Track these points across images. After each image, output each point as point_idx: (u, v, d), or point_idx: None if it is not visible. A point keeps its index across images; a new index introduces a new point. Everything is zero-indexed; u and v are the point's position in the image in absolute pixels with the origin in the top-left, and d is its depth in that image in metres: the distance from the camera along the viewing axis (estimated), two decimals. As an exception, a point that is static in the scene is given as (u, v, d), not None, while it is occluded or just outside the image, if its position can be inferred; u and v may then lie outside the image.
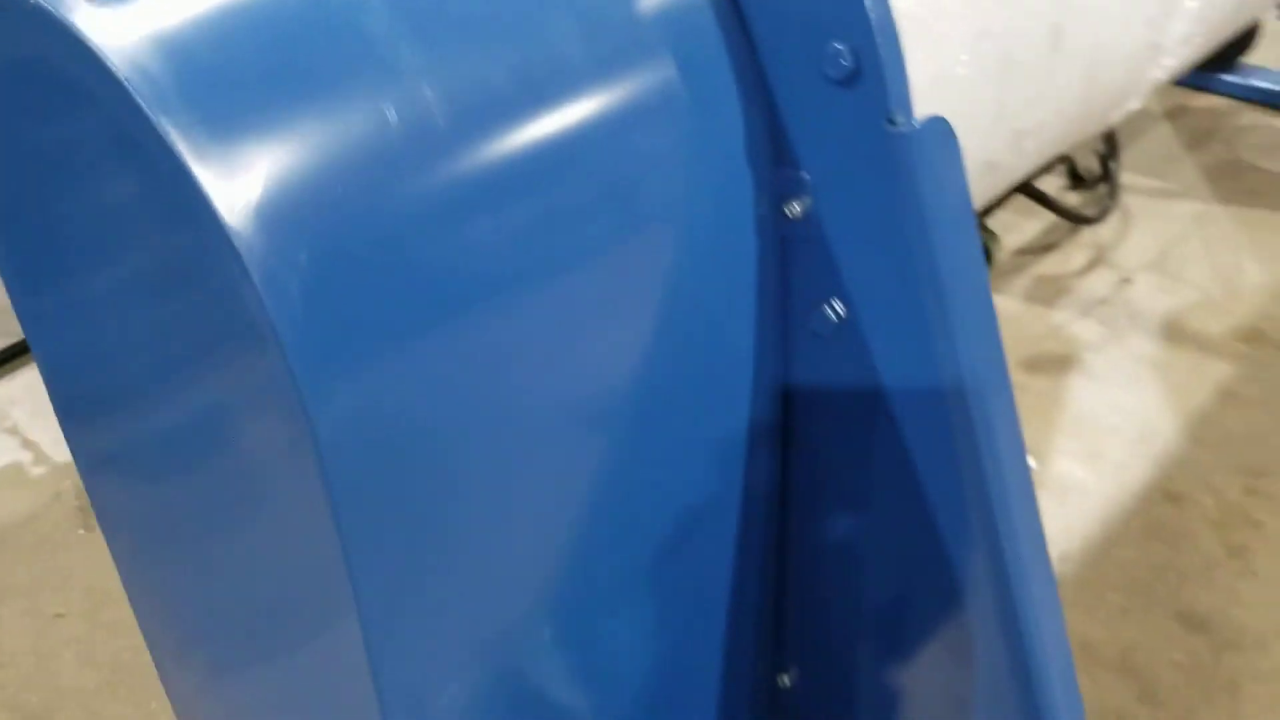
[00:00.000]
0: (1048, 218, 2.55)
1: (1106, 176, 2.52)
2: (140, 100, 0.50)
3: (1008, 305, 2.28)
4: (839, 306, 0.73)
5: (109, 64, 0.51)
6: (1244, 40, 3.17)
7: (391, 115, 0.55)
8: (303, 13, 0.55)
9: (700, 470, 0.79)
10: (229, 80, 0.52)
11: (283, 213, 0.51)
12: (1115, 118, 1.13)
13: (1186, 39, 1.08)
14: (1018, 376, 2.07)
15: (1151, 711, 1.45)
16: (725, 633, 0.88)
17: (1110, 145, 2.52)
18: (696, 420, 0.76)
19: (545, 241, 0.62)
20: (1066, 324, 2.22)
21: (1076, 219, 2.48)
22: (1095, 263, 2.42)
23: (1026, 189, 2.35)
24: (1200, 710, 1.45)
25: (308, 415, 0.52)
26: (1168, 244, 2.46)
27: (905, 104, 0.65)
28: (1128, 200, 2.63)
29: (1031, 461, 1.86)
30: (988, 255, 2.34)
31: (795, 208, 0.71)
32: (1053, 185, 2.65)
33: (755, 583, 0.88)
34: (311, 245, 0.52)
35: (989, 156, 0.85)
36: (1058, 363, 2.11)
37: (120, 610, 1.69)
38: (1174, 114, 3.07)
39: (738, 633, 0.89)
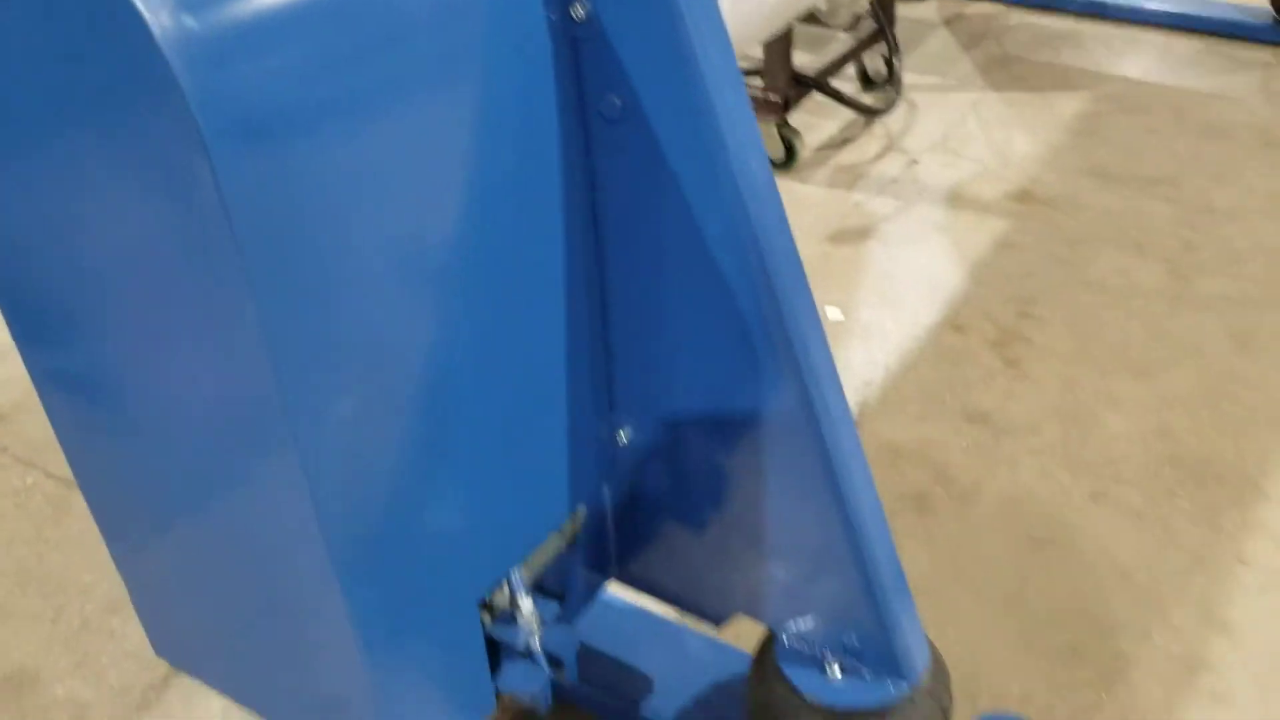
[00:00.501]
0: (844, 115, 2.82)
1: (892, 76, 2.80)
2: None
3: (813, 192, 2.53)
4: (621, 95, 0.93)
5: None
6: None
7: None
8: None
9: (530, 246, 0.97)
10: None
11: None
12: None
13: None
14: (825, 248, 2.33)
15: (945, 488, 1.72)
16: (566, 394, 1.07)
17: (893, 48, 2.80)
18: (521, 202, 0.94)
19: (381, 62, 0.79)
20: (865, 202, 2.48)
21: (868, 111, 2.76)
22: (887, 149, 2.69)
23: (824, 88, 2.61)
24: (985, 481, 1.73)
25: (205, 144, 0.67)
26: (948, 128, 2.76)
27: (651, -92, 0.85)
28: (913, 95, 2.93)
29: (839, 313, 2.12)
30: (792, 151, 2.60)
31: (579, 10, 0.90)
32: (847, 87, 2.92)
33: (586, 351, 1.07)
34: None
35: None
36: (859, 233, 2.37)
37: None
38: (951, 20, 3.39)
39: (577, 395, 1.08)
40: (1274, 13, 3.09)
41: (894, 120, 2.82)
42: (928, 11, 3.45)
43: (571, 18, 0.91)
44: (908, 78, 3.01)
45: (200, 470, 0.93)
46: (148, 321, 0.86)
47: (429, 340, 0.90)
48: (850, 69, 2.92)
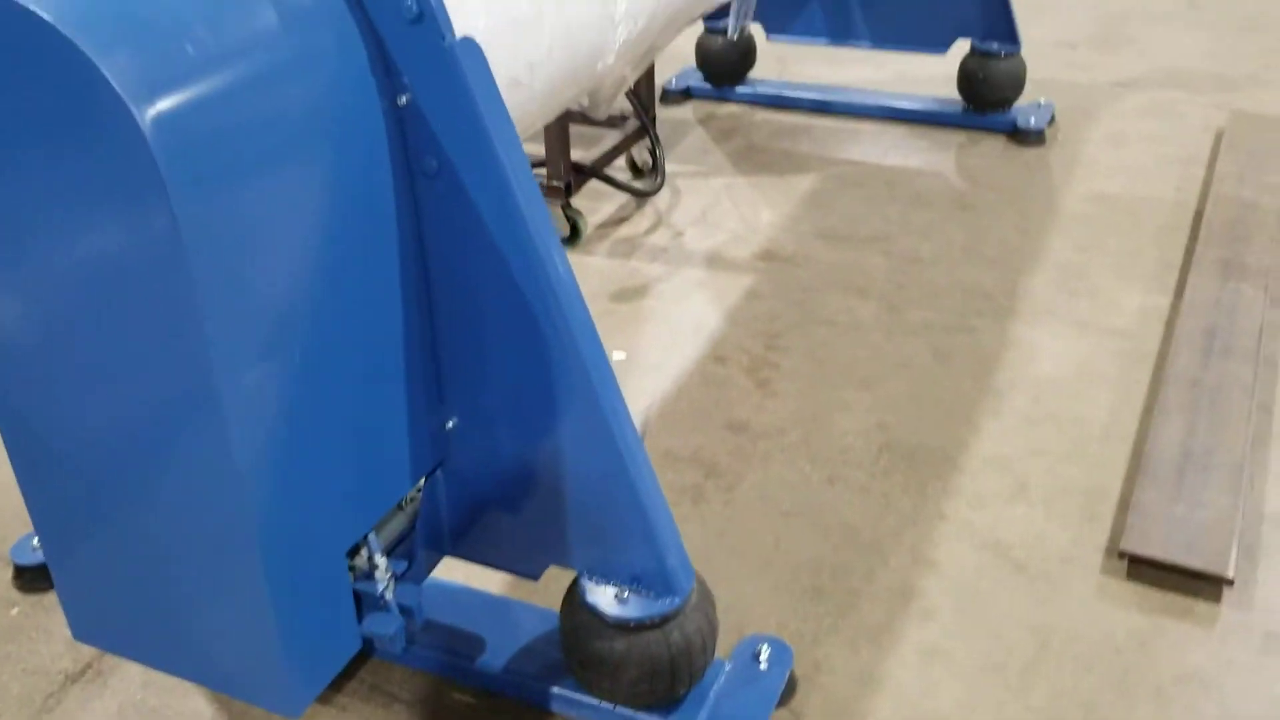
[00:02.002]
0: (619, 198, 3.26)
1: (656, 165, 3.26)
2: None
3: (596, 262, 2.94)
4: (436, 156, 1.28)
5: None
6: (747, 60, 4.10)
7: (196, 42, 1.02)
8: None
9: (375, 271, 1.29)
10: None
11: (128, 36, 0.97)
12: (601, 65, 1.75)
13: (628, 14, 1.73)
14: (608, 305, 2.72)
15: (714, 481, 2.10)
16: (405, 390, 1.38)
17: (655, 141, 3.27)
18: (368, 239, 1.27)
19: (285, 130, 1.11)
20: (640, 268, 2.90)
21: (638, 194, 3.21)
22: (657, 225, 3.14)
23: (599, 176, 3.04)
24: (745, 474, 2.12)
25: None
26: (706, 206, 3.23)
27: (449, 30, 1.21)
28: (676, 181, 3.40)
29: (623, 354, 2.51)
30: (576, 229, 3.00)
31: (403, 99, 1.25)
32: (619, 175, 3.36)
33: (419, 356, 1.39)
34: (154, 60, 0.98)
35: (512, 75, 1.43)
36: (636, 292, 2.78)
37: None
38: (705, 120, 3.91)
39: (413, 390, 1.40)
40: (964, 102, 3.74)
41: (661, 201, 3.28)
42: (686, 113, 3.97)
43: (399, 103, 1.26)
44: (671, 166, 3.49)
45: (134, 450, 1.20)
46: (92, 314, 1.13)
47: (312, 344, 1.21)
48: (622, 160, 3.38)
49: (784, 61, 4.35)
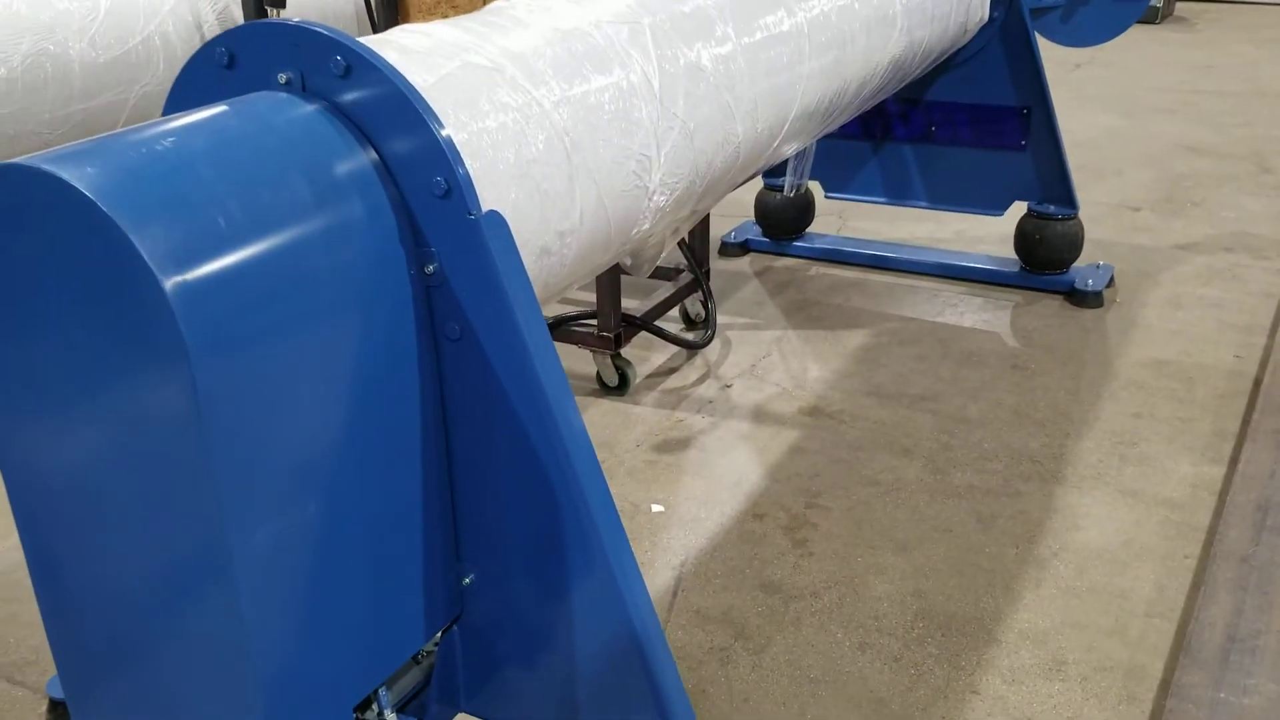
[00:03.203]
0: (670, 349, 3.31)
1: (707, 317, 3.33)
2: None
3: (643, 411, 2.97)
4: (459, 322, 1.33)
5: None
6: (806, 216, 4.19)
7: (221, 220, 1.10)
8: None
9: (398, 433, 1.34)
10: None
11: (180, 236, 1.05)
12: (636, 232, 1.82)
13: (663, 184, 1.80)
14: (651, 455, 2.74)
15: (744, 644, 2.08)
16: (423, 545, 1.41)
17: (707, 294, 3.34)
18: (393, 399, 1.32)
19: (313, 297, 1.18)
20: (686, 419, 2.93)
21: (688, 346, 3.26)
22: (705, 377, 3.18)
23: (649, 328, 3.11)
24: (775, 637, 2.09)
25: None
26: (756, 359, 3.27)
27: (476, 205, 1.28)
28: (728, 333, 3.45)
29: (661, 507, 2.52)
30: (625, 379, 3.05)
31: (430, 268, 1.31)
32: (673, 325, 3.43)
33: (437, 512, 1.43)
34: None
35: (542, 244, 1.50)
36: (680, 444, 2.80)
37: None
38: (761, 273, 3.99)
39: (430, 545, 1.43)
40: (1021, 262, 3.77)
41: (711, 352, 3.32)
42: (743, 265, 4.05)
43: (426, 272, 1.32)
44: (723, 318, 3.55)
45: (151, 598, 1.24)
46: (117, 468, 1.18)
47: (329, 501, 1.26)
48: (676, 311, 3.45)
49: (843, 217, 4.44)
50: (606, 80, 1.67)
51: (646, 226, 1.86)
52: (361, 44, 1.30)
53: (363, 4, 2.69)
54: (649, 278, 3.44)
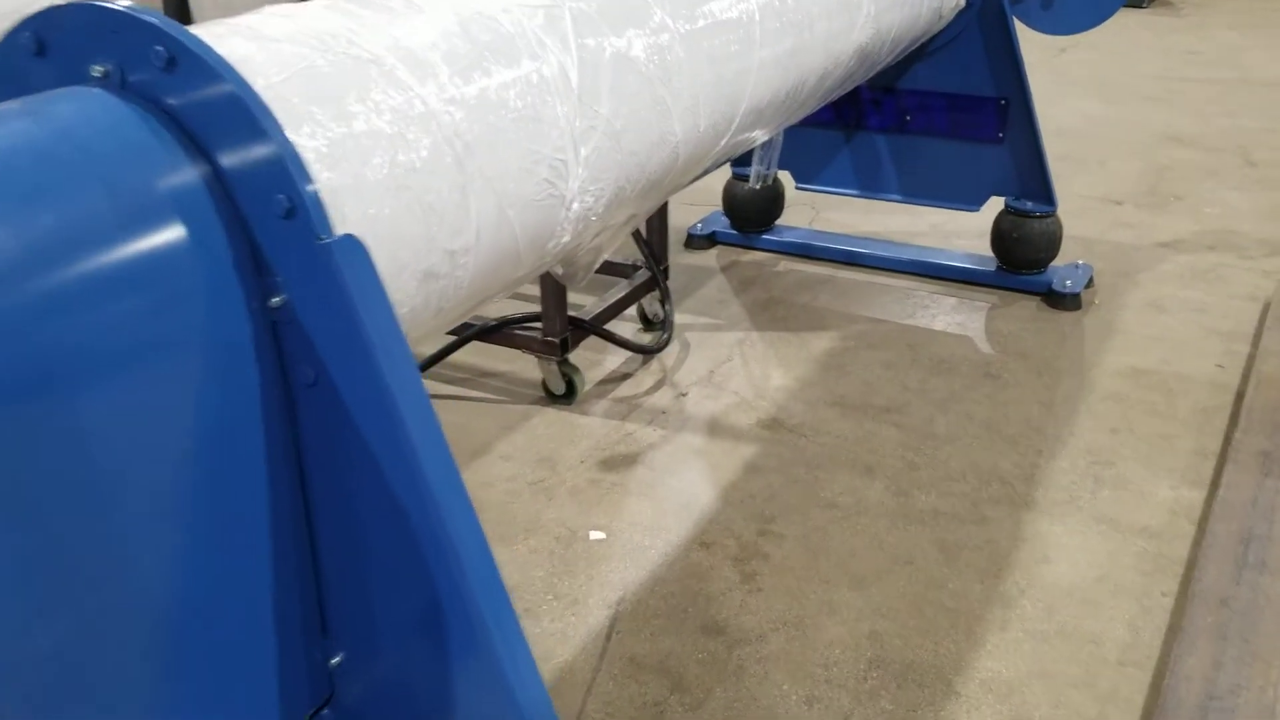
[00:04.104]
0: (624, 353, 3.11)
1: (665, 318, 3.13)
2: None
3: (590, 422, 2.77)
4: (312, 366, 1.13)
5: None
6: (775, 207, 3.99)
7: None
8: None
9: (238, 492, 1.14)
10: None
11: None
12: (554, 245, 1.61)
13: (584, 191, 1.59)
14: (596, 473, 2.54)
15: (680, 697, 1.89)
16: (277, 621, 1.22)
17: (664, 294, 3.13)
18: (231, 451, 1.12)
19: (111, 341, 0.98)
20: (636, 431, 2.73)
21: (642, 351, 3.06)
22: (660, 384, 2.98)
23: (597, 331, 2.90)
24: (715, 689, 1.90)
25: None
26: (715, 365, 3.07)
27: (326, 227, 1.08)
28: (687, 334, 3.25)
29: (601, 534, 2.32)
30: (572, 387, 2.84)
31: (275, 301, 1.11)
32: (629, 326, 3.23)
33: (296, 582, 1.23)
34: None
35: (427, 267, 1.29)
36: (627, 460, 2.60)
37: None
38: (728, 268, 3.79)
39: (289, 622, 1.23)
40: (997, 260, 3.57)
41: (668, 356, 3.12)
42: (708, 260, 3.85)
43: (270, 305, 1.12)
44: (684, 318, 3.35)
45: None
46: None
47: (153, 570, 1.06)
48: (633, 310, 3.24)
49: (816, 208, 4.24)
50: (513, 74, 1.46)
51: (567, 239, 1.65)
52: (188, 32, 1.09)
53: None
54: (604, 273, 3.24)
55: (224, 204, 1.09)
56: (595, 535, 2.31)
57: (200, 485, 1.10)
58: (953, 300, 3.48)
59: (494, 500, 2.43)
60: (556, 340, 2.78)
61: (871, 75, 2.90)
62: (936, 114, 3.53)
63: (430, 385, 2.94)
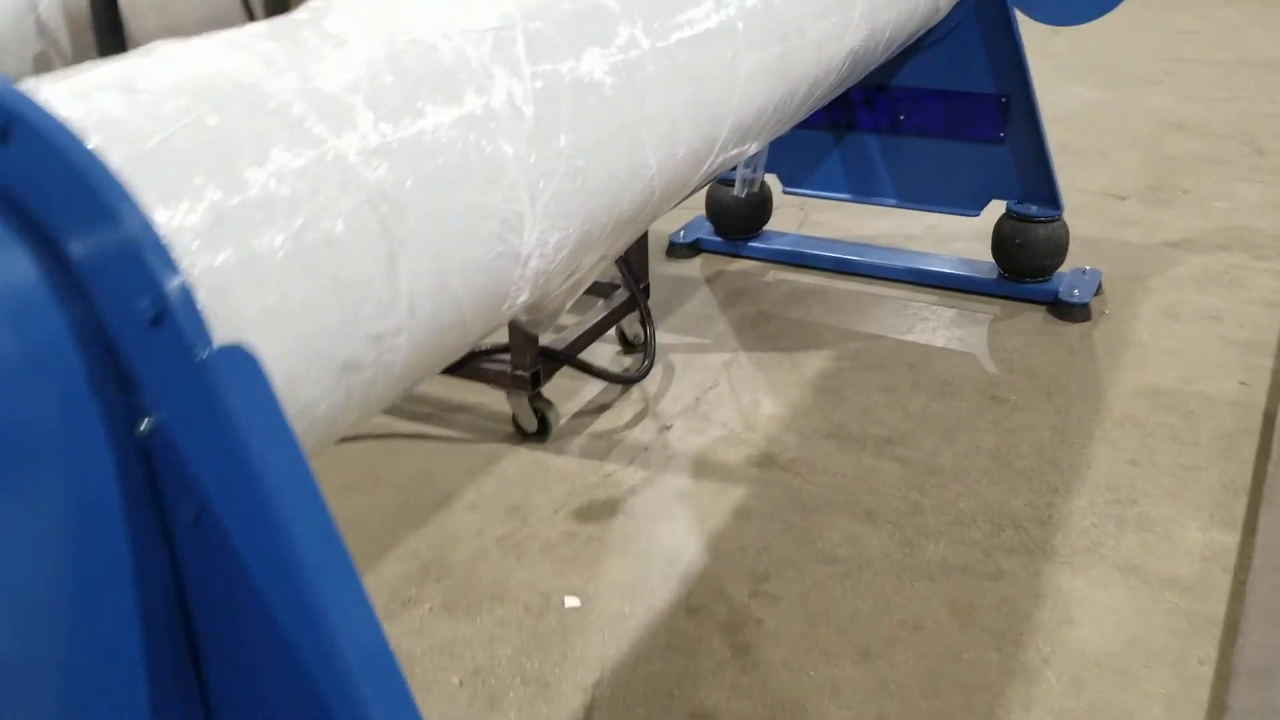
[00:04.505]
0: (604, 380, 2.88)
1: (646, 342, 2.90)
2: None
3: (565, 464, 2.55)
4: (194, 501, 0.91)
5: None
6: (762, 213, 3.76)
7: None
8: None
9: (106, 638, 0.92)
10: None
11: None
12: (509, 307, 1.39)
13: (543, 243, 1.37)
14: (571, 525, 2.32)
15: (665, 801, 1.68)
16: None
17: (645, 317, 2.91)
18: (95, 592, 0.90)
19: None
20: (615, 473, 2.51)
21: (622, 381, 2.83)
22: (641, 415, 2.75)
23: (572, 362, 2.68)
24: (704, 791, 1.69)
25: None
26: (701, 391, 2.85)
27: (203, 336, 0.85)
28: (671, 356, 3.03)
29: (576, 601, 2.10)
30: (545, 424, 2.62)
31: (144, 426, 0.88)
32: (609, 349, 3.01)
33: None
34: None
35: (348, 357, 1.07)
36: (606, 509, 2.38)
37: None
38: (713, 279, 3.56)
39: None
40: (999, 268, 3.35)
41: (651, 382, 2.90)
42: (692, 270, 3.63)
43: (138, 431, 0.89)
44: (667, 338, 3.13)
45: None
46: None
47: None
48: (613, 331, 3.02)
49: (805, 209, 4.02)
50: (453, 113, 1.22)
51: (525, 297, 1.42)
52: (23, 94, 0.86)
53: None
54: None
55: (75, 306, 0.86)
56: (570, 602, 2.09)
57: (59, 647, 0.88)
58: (953, 312, 3.26)
59: (459, 561, 2.21)
60: (527, 375, 2.55)
61: (863, 77, 2.67)
62: (932, 113, 3.30)
63: (391, 424, 2.72)
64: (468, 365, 2.62)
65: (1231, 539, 2.22)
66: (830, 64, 2.30)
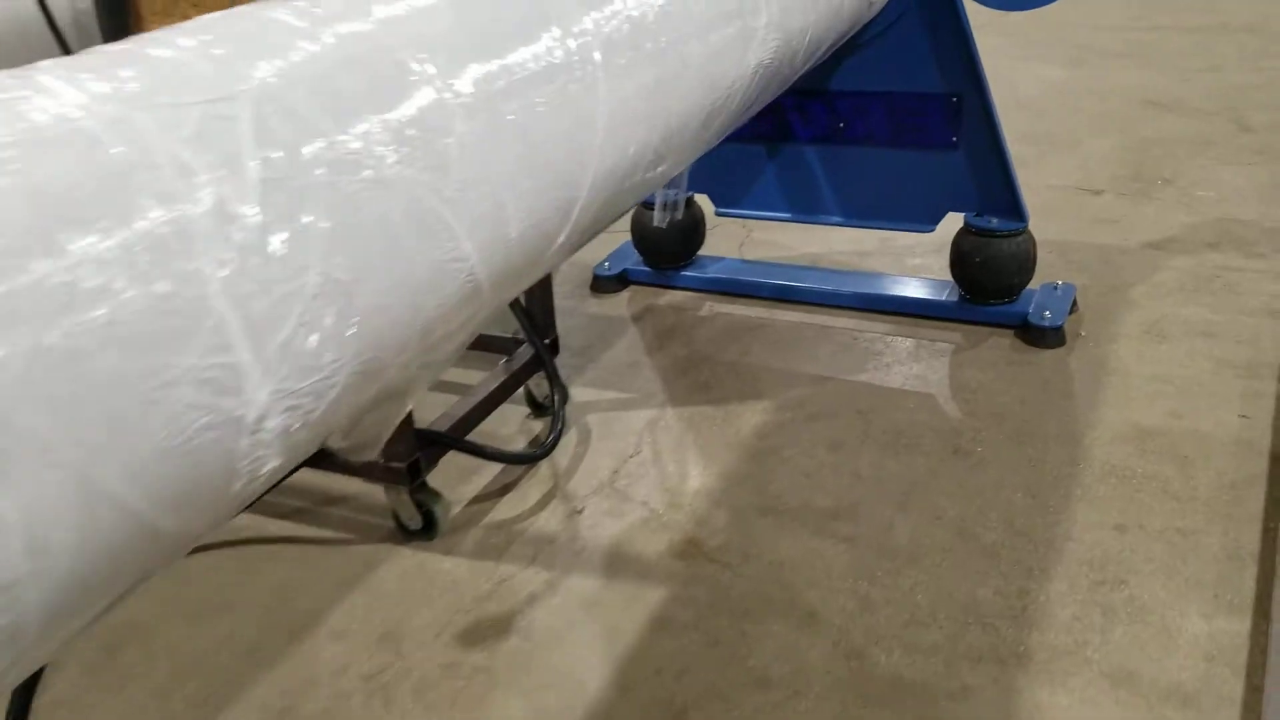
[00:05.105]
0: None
1: (554, 413, 2.51)
2: None
3: (454, 568, 2.17)
4: None
5: None
6: (695, 237, 3.38)
7: None
8: None
9: None
10: None
11: None
12: (244, 488, 1.02)
13: (281, 394, 1.00)
14: (453, 654, 1.95)
15: None
16: None
17: (553, 379, 2.53)
18: None
19: None
20: (512, 577, 2.13)
21: (521, 461, 2.45)
22: (549, 496, 2.38)
23: (458, 445, 2.29)
24: None
25: None
26: (620, 461, 2.48)
27: None
28: (588, 417, 2.65)
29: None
30: (432, 520, 2.24)
31: None
32: (517, 411, 2.64)
33: None
34: None
35: None
36: (498, 627, 2.00)
37: None
38: (641, 315, 3.19)
39: None
40: (960, 289, 2.98)
41: (563, 452, 2.52)
42: (619, 306, 3.25)
43: None
44: (585, 394, 2.75)
45: None
46: None
47: None
48: (521, 391, 2.64)
49: (749, 226, 3.65)
50: (112, 242, 0.84)
51: (272, 464, 1.05)
52: None
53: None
54: (477, 349, 2.64)
55: None
56: (443, 766, 1.71)
57: None
58: (909, 343, 2.89)
59: (313, 714, 1.83)
60: (404, 466, 2.17)
61: (784, 90, 2.29)
62: (876, 118, 2.92)
63: (258, 523, 2.33)
64: (334, 456, 2.23)
65: (1240, 626, 1.85)
66: (731, 85, 1.92)
